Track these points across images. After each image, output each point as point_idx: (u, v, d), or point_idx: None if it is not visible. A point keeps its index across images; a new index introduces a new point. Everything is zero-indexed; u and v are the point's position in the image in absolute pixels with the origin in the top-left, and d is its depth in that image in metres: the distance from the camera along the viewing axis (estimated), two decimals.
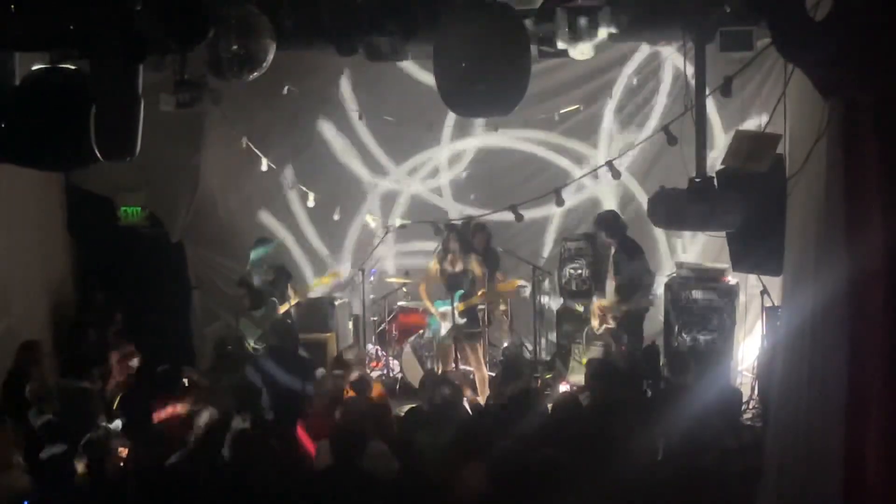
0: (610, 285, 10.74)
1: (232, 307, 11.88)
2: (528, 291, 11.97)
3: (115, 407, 9.12)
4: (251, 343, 11.26)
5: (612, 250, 10.78)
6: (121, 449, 8.05)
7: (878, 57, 5.44)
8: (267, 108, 12.07)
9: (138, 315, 11.80)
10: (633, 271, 10.55)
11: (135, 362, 9.83)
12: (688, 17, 7.71)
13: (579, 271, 11.81)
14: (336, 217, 12.29)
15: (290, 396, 9.31)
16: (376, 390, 9.50)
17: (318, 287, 12.04)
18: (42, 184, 11.58)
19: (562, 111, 12.20)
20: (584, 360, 10.93)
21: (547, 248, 12.88)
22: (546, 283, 12.34)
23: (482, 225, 11.76)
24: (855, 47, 5.49)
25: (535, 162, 12.75)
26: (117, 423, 8.68)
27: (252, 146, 11.71)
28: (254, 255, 11.39)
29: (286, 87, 11.63)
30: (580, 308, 11.65)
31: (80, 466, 7.42)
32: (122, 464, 7.72)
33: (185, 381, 9.52)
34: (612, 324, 10.66)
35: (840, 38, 5.53)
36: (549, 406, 8.67)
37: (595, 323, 10.97)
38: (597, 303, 10.95)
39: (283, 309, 11.27)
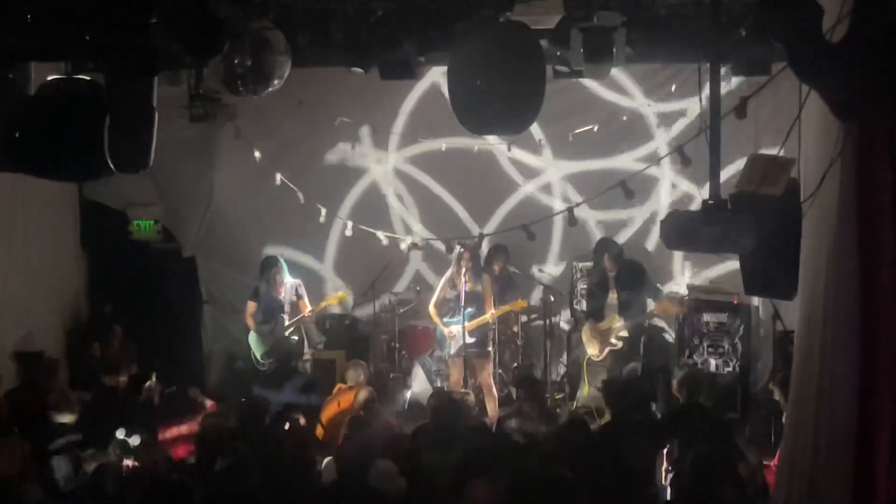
0: (612, 306, 10.77)
1: (242, 322, 11.87)
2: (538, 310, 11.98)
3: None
4: (258, 358, 11.28)
5: (613, 273, 10.88)
6: (125, 462, 8.03)
7: (893, 80, 5.42)
8: (281, 123, 12.08)
9: (149, 329, 11.82)
10: (639, 288, 10.77)
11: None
12: (703, 40, 7.71)
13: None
14: (348, 233, 12.26)
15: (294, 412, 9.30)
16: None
17: (328, 305, 12.03)
18: (57, 197, 11.62)
19: (576, 131, 12.15)
20: (587, 388, 10.96)
21: (550, 266, 12.82)
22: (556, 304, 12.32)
23: (503, 247, 11.74)
24: (871, 70, 5.47)
25: None
26: (136, 438, 8.68)
27: (266, 161, 11.73)
28: (264, 269, 11.40)
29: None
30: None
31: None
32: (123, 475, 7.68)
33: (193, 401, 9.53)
34: (617, 345, 10.67)
35: (856, 60, 5.51)
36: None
37: (593, 350, 10.96)
38: (591, 328, 10.96)
39: (291, 325, 11.27)
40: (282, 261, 11.61)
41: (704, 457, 7.49)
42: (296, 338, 11.39)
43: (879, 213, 5.72)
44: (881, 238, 5.70)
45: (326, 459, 8.23)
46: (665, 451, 8.18)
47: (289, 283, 11.48)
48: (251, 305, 11.52)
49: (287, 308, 11.37)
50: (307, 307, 11.46)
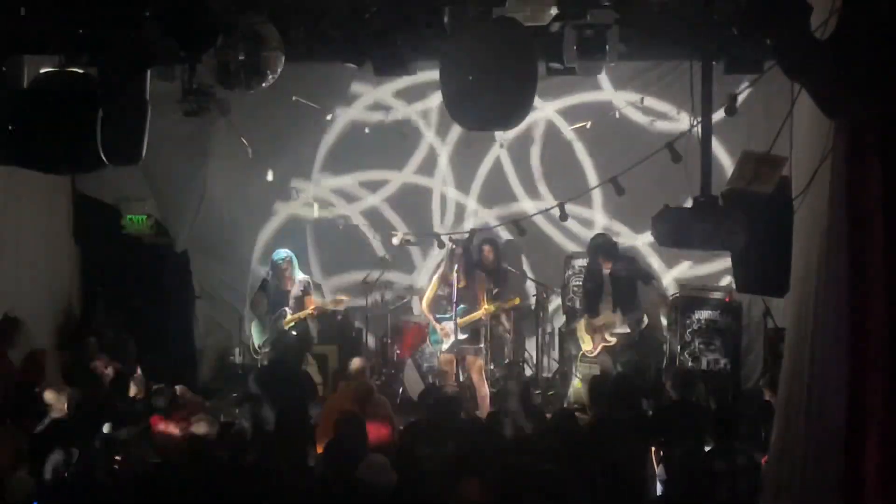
0: (607, 304, 10.78)
1: (234, 317, 11.89)
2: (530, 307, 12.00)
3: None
4: (256, 347, 11.35)
5: (608, 271, 10.86)
6: (116, 457, 8.06)
7: (882, 76, 5.44)
8: (274, 118, 12.08)
9: (141, 324, 11.82)
10: (633, 283, 10.77)
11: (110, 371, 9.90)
12: (695, 37, 7.73)
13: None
14: (342, 227, 12.26)
15: (290, 409, 9.30)
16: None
17: (330, 307, 12.04)
18: (50, 191, 11.60)
19: (571, 128, 12.17)
20: (579, 384, 10.97)
21: (550, 264, 12.81)
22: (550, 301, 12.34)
23: (492, 239, 11.75)
24: (860, 67, 5.49)
25: None
26: (123, 432, 8.69)
27: (258, 157, 11.75)
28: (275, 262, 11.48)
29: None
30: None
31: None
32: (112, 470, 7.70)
33: (180, 398, 9.53)
34: (611, 341, 10.69)
35: (845, 57, 5.53)
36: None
37: (587, 346, 10.98)
38: (586, 324, 10.99)
39: (293, 320, 11.31)
40: (293, 256, 11.64)
41: (695, 454, 7.54)
42: (295, 333, 11.42)
43: (870, 210, 5.74)
44: (871, 234, 5.72)
45: (319, 453, 8.25)
46: (656, 448, 8.21)
47: (298, 278, 11.52)
48: (257, 295, 11.59)
49: (292, 303, 11.39)
50: (313, 304, 11.48)
